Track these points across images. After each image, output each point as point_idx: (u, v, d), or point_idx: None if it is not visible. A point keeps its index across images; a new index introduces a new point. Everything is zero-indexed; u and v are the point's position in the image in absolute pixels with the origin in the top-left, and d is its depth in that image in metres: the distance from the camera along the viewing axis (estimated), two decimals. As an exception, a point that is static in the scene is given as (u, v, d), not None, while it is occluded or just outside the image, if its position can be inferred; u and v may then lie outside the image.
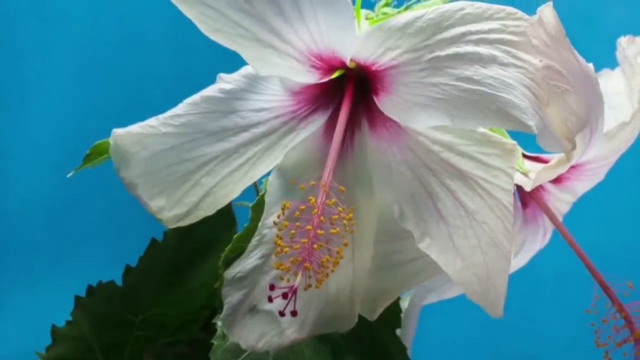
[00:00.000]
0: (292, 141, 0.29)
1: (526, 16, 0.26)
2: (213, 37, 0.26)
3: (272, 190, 0.30)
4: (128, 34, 0.71)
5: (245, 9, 0.26)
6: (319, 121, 0.30)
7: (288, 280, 0.26)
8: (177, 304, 0.39)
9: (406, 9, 0.33)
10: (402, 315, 0.34)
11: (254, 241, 0.30)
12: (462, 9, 0.26)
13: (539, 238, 0.36)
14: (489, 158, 0.27)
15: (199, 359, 0.40)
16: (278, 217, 0.27)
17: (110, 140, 0.28)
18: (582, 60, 0.25)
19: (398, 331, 0.34)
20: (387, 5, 0.33)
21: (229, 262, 0.30)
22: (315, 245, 0.25)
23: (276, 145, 0.29)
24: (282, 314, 0.26)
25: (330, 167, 0.27)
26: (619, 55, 0.31)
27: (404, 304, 0.38)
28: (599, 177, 0.34)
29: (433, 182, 0.28)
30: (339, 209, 0.26)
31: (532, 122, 0.24)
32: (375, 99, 0.29)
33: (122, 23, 0.71)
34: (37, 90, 0.71)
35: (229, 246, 0.31)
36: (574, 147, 0.24)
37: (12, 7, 0.71)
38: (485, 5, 0.26)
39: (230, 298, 0.29)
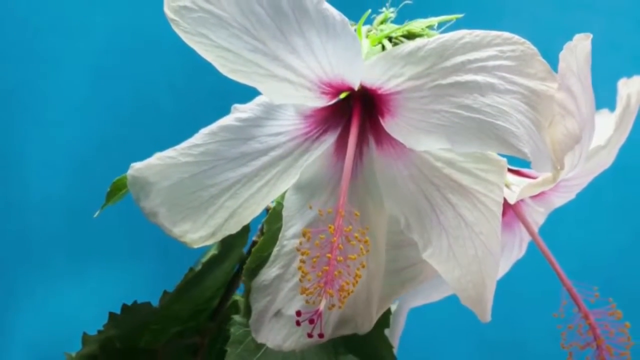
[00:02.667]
0: (307, 161, 0.31)
1: (522, 39, 0.27)
2: (232, 76, 0.28)
3: (288, 205, 0.32)
4: (142, 44, 0.74)
5: (261, 49, 0.27)
6: (329, 140, 0.32)
7: (313, 303, 0.28)
8: (190, 300, 0.42)
9: (404, 25, 0.34)
10: (391, 316, 0.37)
11: (275, 251, 0.32)
12: (462, 37, 0.27)
13: (516, 247, 0.38)
14: (487, 174, 0.30)
15: (208, 348, 0.43)
16: (300, 243, 0.29)
17: (128, 173, 0.29)
18: (592, 92, 0.28)
19: (387, 331, 0.37)
20: (384, 22, 0.35)
21: (251, 273, 0.33)
22: (335, 272, 0.28)
23: (293, 166, 0.31)
24: (310, 335, 0.29)
25: (344, 192, 0.29)
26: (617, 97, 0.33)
27: (393, 306, 0.41)
28: (572, 194, 0.36)
29: (436, 196, 0.30)
30: (356, 235, 0.29)
31: (527, 150, 0.27)
32: (381, 120, 0.31)
33: (137, 34, 0.74)
34: (56, 96, 0.74)
35: (249, 257, 0.33)
36: (562, 168, 0.27)
37: (34, 18, 0.73)
38: (483, 32, 0.27)
39: (257, 304, 0.32)
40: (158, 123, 0.74)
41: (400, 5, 0.36)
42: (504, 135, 0.27)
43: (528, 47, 0.27)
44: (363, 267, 0.29)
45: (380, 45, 0.34)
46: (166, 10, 0.27)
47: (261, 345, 0.35)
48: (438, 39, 0.28)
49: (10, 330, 0.74)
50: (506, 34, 0.27)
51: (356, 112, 0.31)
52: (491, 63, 0.27)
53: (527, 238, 0.38)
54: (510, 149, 0.27)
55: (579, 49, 0.27)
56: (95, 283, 0.73)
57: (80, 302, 0.73)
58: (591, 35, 0.28)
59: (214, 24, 0.27)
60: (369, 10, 0.34)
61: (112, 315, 0.38)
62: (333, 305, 0.28)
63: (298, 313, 0.29)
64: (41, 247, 0.75)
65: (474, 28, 0.34)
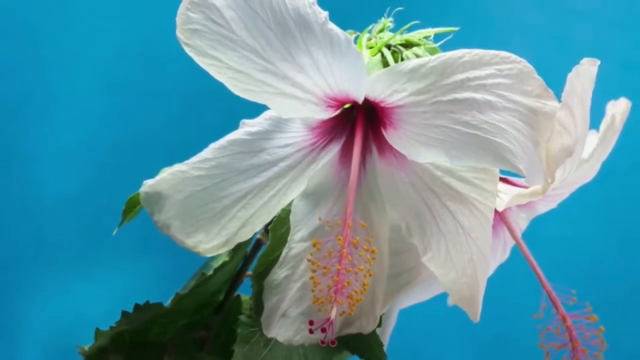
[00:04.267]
0: (314, 170, 0.33)
1: (519, 58, 0.28)
2: (243, 95, 0.29)
3: (296, 210, 0.33)
4: (150, 52, 0.77)
5: (270, 70, 0.29)
6: (334, 149, 0.33)
7: (325, 311, 0.30)
8: (196, 296, 0.44)
9: (400, 31, 0.35)
10: (382, 316, 0.38)
11: (283, 253, 0.33)
12: (462, 56, 0.28)
13: (500, 250, 0.40)
14: (483, 182, 0.31)
15: (213, 341, 0.45)
16: (311, 254, 0.31)
17: (141, 190, 0.30)
18: (589, 112, 0.29)
19: (378, 330, 0.38)
20: (383, 30, 0.36)
21: (259, 276, 0.34)
22: (345, 283, 0.29)
23: (302, 175, 0.32)
24: (323, 342, 0.31)
25: (350, 204, 0.31)
26: None
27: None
28: (554, 204, 0.38)
29: (436, 203, 0.32)
30: (364, 246, 0.30)
31: (521, 166, 0.28)
32: (383, 131, 0.32)
33: (144, 41, 0.77)
34: (67, 102, 0.77)
35: (258, 261, 0.35)
36: (553, 181, 0.29)
37: (45, 26, 0.77)
38: (482, 52, 0.29)
39: (268, 302, 0.33)
40: (165, 127, 0.78)
41: (395, 11, 0.37)
42: (500, 151, 0.28)
43: (524, 65, 0.28)
44: (370, 275, 0.31)
45: (379, 55, 0.35)
46: (178, 33, 0.28)
47: (266, 345, 0.37)
48: (439, 57, 0.29)
49: (25, 324, 0.77)
50: (504, 53, 0.29)
51: (359, 125, 0.32)
52: (490, 81, 0.28)
53: (510, 242, 0.40)
54: (506, 165, 0.29)
55: (585, 72, 0.29)
56: (105, 279, 0.76)
57: (91, 297, 0.76)
58: (599, 62, 0.29)
59: (225, 47, 0.28)
60: (371, 26, 0.35)
61: (124, 313, 0.39)
62: (343, 312, 0.30)
63: (311, 322, 0.30)
64: (54, 245, 0.78)
65: (467, 35, 0.35)
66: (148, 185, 0.30)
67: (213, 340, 0.44)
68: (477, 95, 0.28)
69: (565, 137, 0.28)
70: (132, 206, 0.37)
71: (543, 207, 0.38)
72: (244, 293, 0.44)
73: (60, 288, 0.77)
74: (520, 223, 0.39)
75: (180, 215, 0.31)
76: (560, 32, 0.77)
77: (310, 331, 0.31)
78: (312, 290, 0.30)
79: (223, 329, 0.44)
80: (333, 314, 0.29)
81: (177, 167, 0.31)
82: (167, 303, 0.40)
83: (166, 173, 0.31)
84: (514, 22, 0.78)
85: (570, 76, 0.29)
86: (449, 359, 0.79)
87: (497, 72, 0.28)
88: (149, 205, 0.30)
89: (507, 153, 0.28)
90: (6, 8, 0.76)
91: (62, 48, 0.77)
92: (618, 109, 0.34)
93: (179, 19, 0.28)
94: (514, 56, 0.29)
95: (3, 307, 0.77)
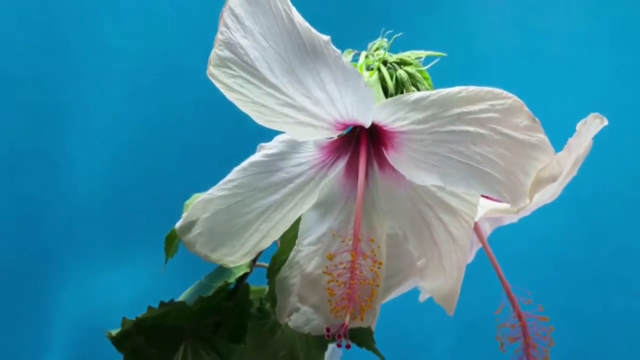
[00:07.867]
0: (324, 184, 0.36)
1: (509, 94, 0.31)
2: (266, 125, 0.32)
3: (306, 219, 0.37)
4: (170, 66, 0.84)
5: (290, 104, 0.32)
6: (341, 164, 0.37)
7: (341, 317, 0.34)
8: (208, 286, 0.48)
9: (395, 52, 0.38)
10: None
11: (292, 254, 0.37)
12: (460, 92, 0.31)
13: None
14: (470, 197, 0.35)
15: (227, 326, 0.49)
16: (327, 267, 0.34)
17: (177, 224, 0.34)
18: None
19: None
20: (379, 49, 0.39)
21: (273, 274, 0.38)
22: (356, 296, 0.33)
23: (315, 189, 0.36)
24: (339, 345, 0.35)
25: (358, 219, 0.34)
26: None
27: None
28: (516, 219, 0.42)
29: (430, 216, 0.36)
30: (373, 260, 0.34)
31: (506, 194, 0.32)
32: (384, 151, 0.35)
33: (165, 56, 0.85)
34: (98, 109, 0.85)
35: (270, 262, 0.39)
36: (530, 202, 0.32)
37: (79, 43, 0.85)
38: (477, 88, 0.31)
39: (280, 296, 0.37)
40: (182, 132, 0.85)
41: (387, 33, 0.40)
42: (489, 181, 0.32)
43: (515, 100, 0.31)
44: (378, 286, 0.35)
45: (377, 74, 0.38)
46: (209, 72, 0.31)
47: (274, 335, 0.42)
48: (440, 92, 0.32)
49: (57, 309, 0.84)
50: (497, 90, 0.31)
51: (364, 145, 0.36)
52: (483, 115, 0.31)
53: (477, 246, 0.44)
54: (493, 192, 0.32)
55: (593, 125, 0.33)
56: (129, 269, 0.83)
57: (117, 285, 0.83)
58: (607, 122, 0.33)
59: (250, 84, 0.31)
60: (370, 50, 0.38)
61: (150, 308, 0.43)
62: (355, 317, 0.34)
63: (327, 329, 0.35)
64: (84, 239, 0.84)
65: (448, 51, 0.38)
66: (182, 218, 0.34)
67: (224, 325, 0.48)
68: (471, 128, 0.31)
69: (556, 170, 0.31)
70: (171, 241, 0.40)
71: (508, 220, 0.43)
72: (252, 282, 0.49)
73: (89, 277, 0.84)
74: (486, 229, 0.43)
75: (206, 232, 0.34)
76: (532, 48, 0.83)
77: (328, 336, 0.35)
78: (329, 301, 0.34)
79: (233, 315, 0.48)
80: (347, 320, 0.33)
81: (205, 193, 0.34)
82: (183, 294, 0.44)
83: (195, 201, 0.34)
84: (490, 40, 0.82)
85: (579, 126, 0.32)
86: (431, 342, 0.85)
87: (490, 107, 0.31)
88: (182, 231, 0.34)
89: (494, 183, 0.32)
90: (46, 28, 0.83)
91: (93, 62, 0.84)
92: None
93: (211, 58, 0.30)
94: (505, 92, 0.31)
95: (37, 294, 0.83)
